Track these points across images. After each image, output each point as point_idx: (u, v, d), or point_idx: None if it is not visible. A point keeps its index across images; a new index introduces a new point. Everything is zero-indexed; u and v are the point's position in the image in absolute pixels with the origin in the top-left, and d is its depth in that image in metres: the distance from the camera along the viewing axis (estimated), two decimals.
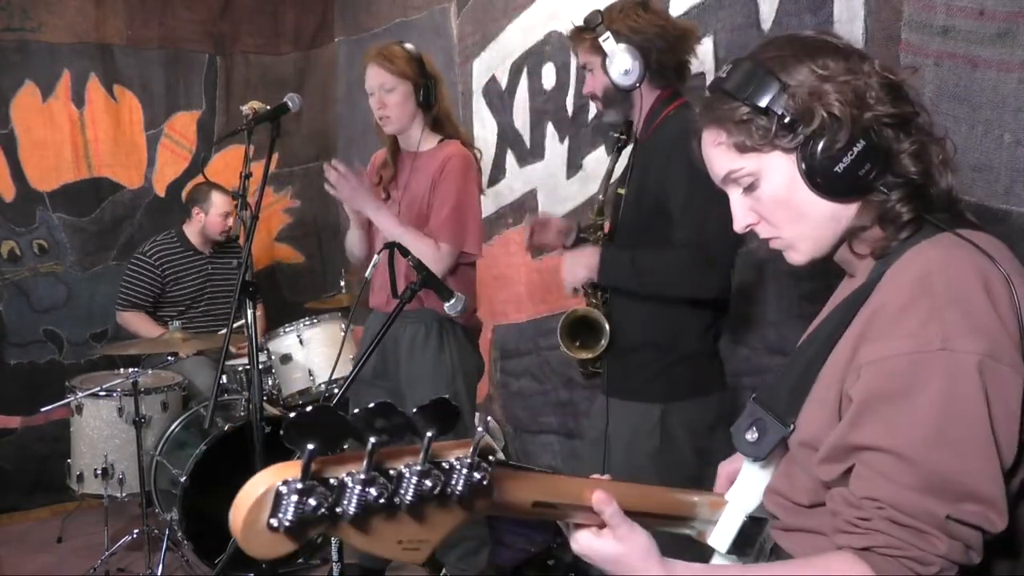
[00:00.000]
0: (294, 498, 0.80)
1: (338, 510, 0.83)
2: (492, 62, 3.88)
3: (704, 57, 2.66)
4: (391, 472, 0.86)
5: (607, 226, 2.37)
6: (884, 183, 1.11)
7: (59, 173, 4.38)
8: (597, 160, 3.34)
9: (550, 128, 3.61)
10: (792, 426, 1.14)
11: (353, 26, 4.95)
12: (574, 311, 2.32)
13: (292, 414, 0.81)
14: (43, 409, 3.45)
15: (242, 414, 3.44)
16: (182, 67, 4.70)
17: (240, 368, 3.62)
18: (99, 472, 3.47)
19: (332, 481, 0.83)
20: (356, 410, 0.83)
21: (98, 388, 3.45)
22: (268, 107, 2.69)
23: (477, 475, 0.91)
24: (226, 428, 3.34)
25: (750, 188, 1.18)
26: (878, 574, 0.98)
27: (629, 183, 2.29)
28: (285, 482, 0.80)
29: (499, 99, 3.87)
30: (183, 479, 3.24)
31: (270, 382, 3.77)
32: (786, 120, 1.11)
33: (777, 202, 1.17)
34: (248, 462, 2.71)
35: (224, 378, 3.54)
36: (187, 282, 4.14)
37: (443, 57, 4.10)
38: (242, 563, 2.66)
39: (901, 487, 0.98)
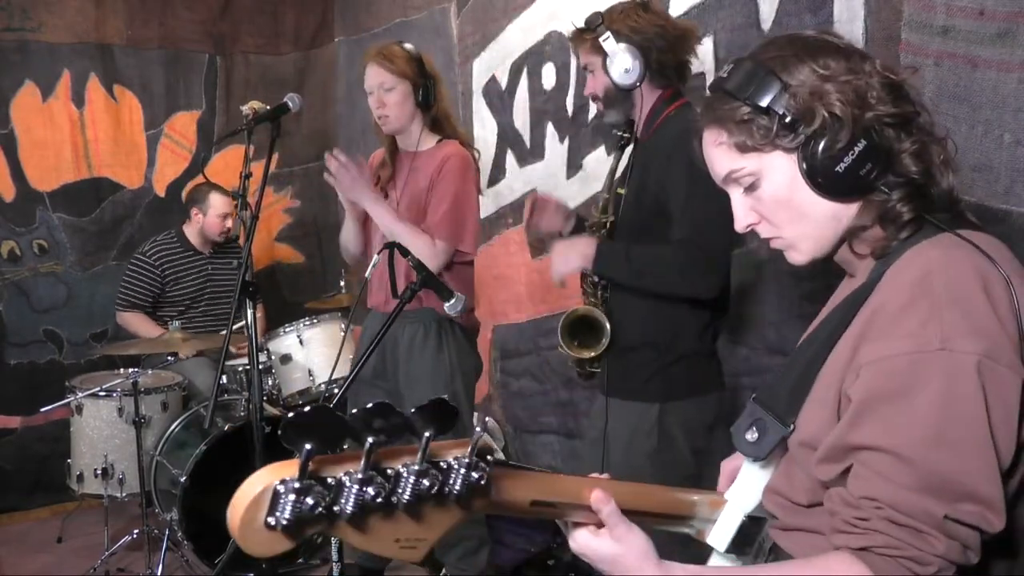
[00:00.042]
0: (291, 497, 0.80)
1: (335, 509, 0.83)
2: (492, 62, 3.88)
3: (704, 57, 2.66)
4: (389, 471, 0.86)
5: (610, 224, 2.37)
6: (885, 183, 1.11)
7: (59, 173, 4.38)
8: (597, 160, 3.34)
9: (550, 128, 3.61)
10: (792, 426, 1.14)
11: (353, 26, 4.95)
12: (575, 310, 2.32)
13: (290, 414, 0.81)
14: (43, 409, 3.44)
15: (242, 414, 3.44)
16: (182, 67, 4.70)
17: (240, 368, 3.62)
18: (99, 472, 3.48)
19: (330, 480, 0.83)
20: (354, 410, 0.83)
21: (98, 388, 3.45)
22: (268, 107, 2.69)
23: (475, 475, 0.92)
24: (226, 428, 3.34)
25: (751, 188, 1.18)
26: (876, 574, 0.98)
27: (629, 182, 2.29)
28: (283, 481, 0.81)
29: (499, 99, 3.87)
30: (183, 479, 3.24)
31: (270, 382, 3.77)
32: (787, 120, 1.11)
33: (778, 202, 1.17)
34: (248, 462, 2.71)
35: (224, 378, 3.54)
36: (187, 282, 4.14)
37: (443, 57, 4.10)
38: (242, 563, 2.67)
39: (899, 487, 0.98)
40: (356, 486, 0.83)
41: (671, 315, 2.21)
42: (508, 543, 3.32)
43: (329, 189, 3.01)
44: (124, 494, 3.48)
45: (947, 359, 0.98)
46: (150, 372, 3.74)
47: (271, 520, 0.81)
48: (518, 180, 3.82)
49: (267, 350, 3.78)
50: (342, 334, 3.65)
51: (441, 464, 0.90)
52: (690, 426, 2.22)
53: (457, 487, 0.90)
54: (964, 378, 0.97)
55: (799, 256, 1.21)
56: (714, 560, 1.27)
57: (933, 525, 0.97)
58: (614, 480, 1.17)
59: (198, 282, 4.16)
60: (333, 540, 2.37)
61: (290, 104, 2.64)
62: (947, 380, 0.98)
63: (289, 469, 0.82)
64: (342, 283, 4.32)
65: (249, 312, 2.47)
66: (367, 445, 0.83)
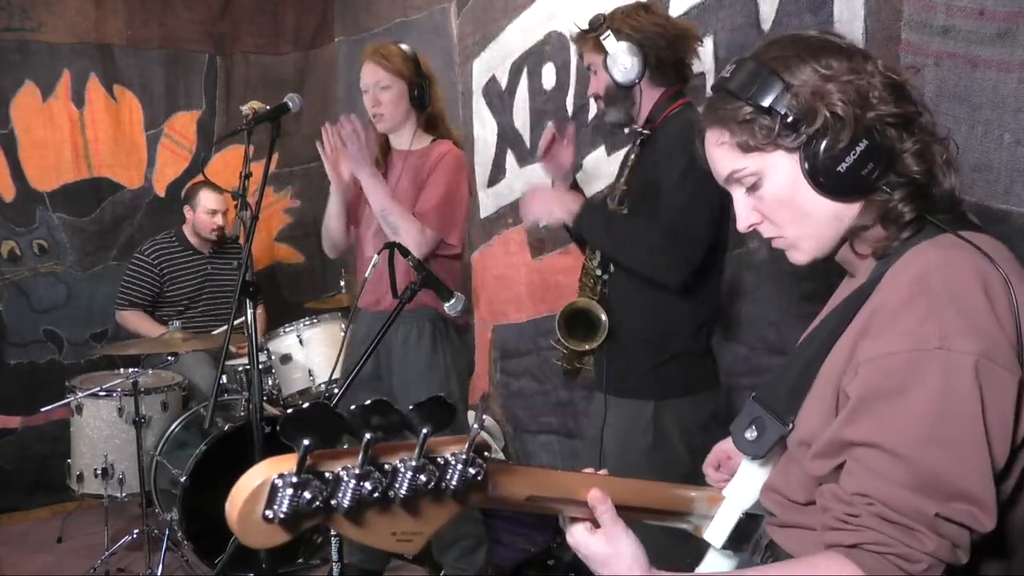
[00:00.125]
0: (289, 491, 0.82)
1: (332, 503, 0.85)
2: (492, 62, 3.88)
3: (704, 57, 2.67)
4: (386, 467, 0.88)
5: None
6: (887, 183, 1.11)
7: (59, 173, 4.38)
8: (597, 160, 3.34)
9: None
10: (791, 425, 1.14)
11: (353, 26, 4.96)
12: (573, 303, 2.33)
13: (290, 411, 0.82)
14: (43, 409, 3.45)
15: (242, 414, 3.44)
16: (182, 67, 4.71)
17: (240, 368, 3.62)
18: (99, 472, 3.48)
19: (327, 475, 0.85)
20: (352, 407, 0.83)
21: (98, 388, 3.46)
22: (268, 107, 2.69)
23: (472, 470, 0.93)
24: (226, 428, 3.34)
25: (753, 188, 1.18)
26: (866, 573, 0.98)
27: (628, 180, 2.29)
28: (281, 475, 0.82)
29: (499, 99, 3.87)
30: (183, 479, 3.24)
31: (270, 382, 3.77)
32: (789, 120, 1.11)
33: (780, 202, 1.17)
34: (248, 462, 2.69)
35: (224, 378, 3.54)
36: (185, 282, 4.14)
37: (443, 57, 4.10)
38: (242, 563, 2.67)
39: (892, 484, 0.98)
40: (353, 481, 0.85)
41: (667, 313, 2.22)
42: (508, 543, 3.32)
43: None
44: (124, 494, 3.48)
45: (944, 358, 0.98)
46: (150, 372, 3.74)
47: (269, 513, 0.82)
48: (518, 180, 3.82)
49: (267, 350, 3.78)
50: (342, 334, 3.65)
51: (438, 460, 0.91)
52: (685, 424, 2.23)
53: (454, 483, 0.91)
54: (961, 377, 0.97)
55: (801, 256, 1.21)
56: (711, 556, 1.28)
57: (924, 523, 0.97)
58: (612, 476, 1.18)
59: (197, 282, 4.16)
60: (333, 540, 2.37)
61: (290, 104, 2.64)
62: (944, 379, 0.98)
63: (287, 463, 0.83)
64: (342, 283, 4.32)
65: (249, 312, 2.47)
66: (364, 441, 0.84)
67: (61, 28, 4.34)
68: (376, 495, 0.86)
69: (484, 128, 3.98)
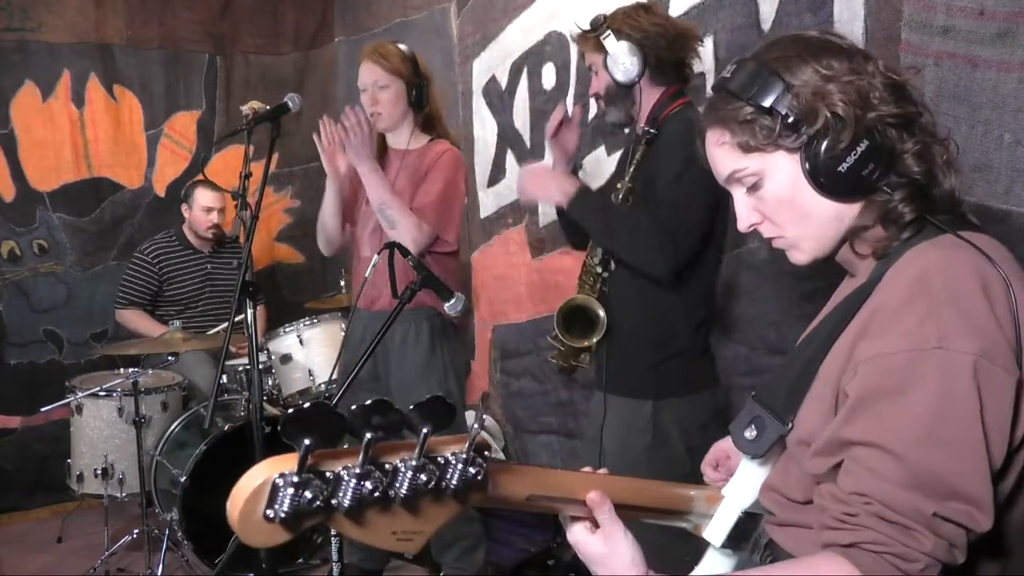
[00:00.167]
0: (290, 491, 0.82)
1: (333, 503, 0.85)
2: (492, 62, 3.89)
3: (704, 57, 2.67)
4: (387, 466, 0.88)
5: None
6: (887, 183, 1.11)
7: (59, 173, 4.38)
8: (597, 160, 3.34)
9: None
10: (790, 424, 1.14)
11: (353, 26, 4.96)
12: (572, 299, 2.33)
13: (290, 410, 0.82)
14: (43, 409, 3.45)
15: (242, 414, 3.44)
16: (182, 67, 4.71)
17: (240, 368, 3.62)
18: (99, 472, 3.48)
19: (328, 474, 0.85)
20: (353, 407, 0.84)
21: (98, 388, 3.46)
22: (268, 107, 2.69)
23: (472, 470, 0.93)
24: (226, 428, 3.34)
25: (754, 188, 1.18)
26: (863, 573, 0.98)
27: (627, 179, 2.29)
28: (281, 475, 0.82)
29: (499, 99, 3.87)
30: (183, 479, 3.24)
31: (270, 382, 3.77)
32: (790, 120, 1.11)
33: (781, 202, 1.17)
34: (248, 462, 2.70)
35: (224, 378, 3.54)
36: (185, 281, 4.14)
37: (443, 57, 4.10)
38: (242, 563, 2.67)
39: (890, 483, 0.98)
40: (354, 480, 0.85)
41: (667, 311, 2.23)
42: (508, 543, 3.32)
43: None
44: (124, 494, 3.48)
45: (943, 358, 0.98)
46: (150, 372, 3.74)
47: (270, 512, 0.82)
48: None
49: (267, 350, 3.78)
50: (342, 334, 3.65)
51: (439, 459, 0.91)
52: (684, 424, 2.23)
53: (454, 482, 0.92)
54: (959, 377, 0.97)
55: (801, 256, 1.21)
56: (710, 555, 1.28)
57: (922, 522, 0.97)
58: (612, 475, 1.18)
59: (196, 281, 4.16)
60: (333, 540, 2.37)
61: (290, 104, 2.64)
62: (943, 379, 0.98)
63: (288, 463, 0.83)
64: (342, 283, 4.31)
65: (249, 312, 2.47)
66: (365, 440, 0.84)
67: (61, 28, 4.34)
68: (377, 494, 0.86)
69: (484, 128, 3.98)
